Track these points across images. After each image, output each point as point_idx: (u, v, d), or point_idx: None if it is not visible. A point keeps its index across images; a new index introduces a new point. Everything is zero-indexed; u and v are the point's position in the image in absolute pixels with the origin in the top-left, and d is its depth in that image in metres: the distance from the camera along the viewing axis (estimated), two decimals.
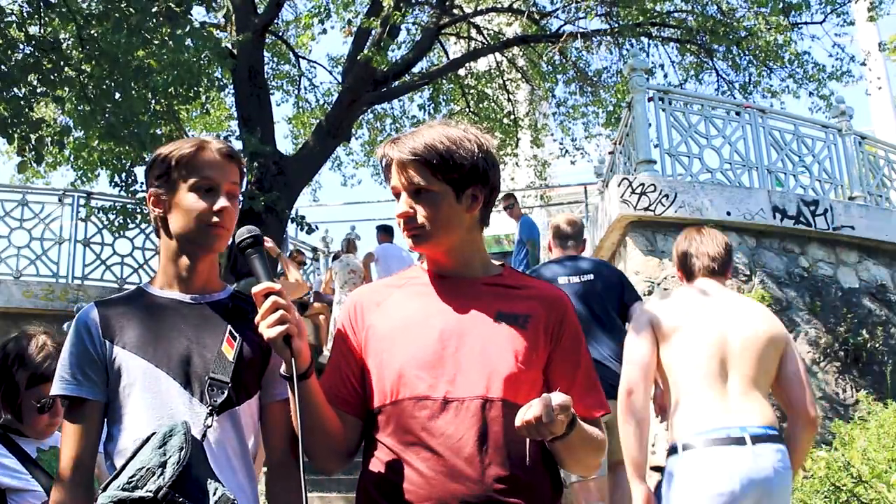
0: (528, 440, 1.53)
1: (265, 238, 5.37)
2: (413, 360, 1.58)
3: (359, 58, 9.39)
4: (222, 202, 1.73)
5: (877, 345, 6.56)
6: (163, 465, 1.49)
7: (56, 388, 1.71)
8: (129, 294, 1.83)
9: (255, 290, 1.56)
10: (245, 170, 1.88)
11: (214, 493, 1.52)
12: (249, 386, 1.74)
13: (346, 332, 1.72)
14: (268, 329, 1.52)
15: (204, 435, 1.62)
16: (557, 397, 1.43)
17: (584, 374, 1.66)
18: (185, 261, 1.77)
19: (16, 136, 6.04)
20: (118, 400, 1.68)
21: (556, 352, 1.63)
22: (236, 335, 1.73)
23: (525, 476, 1.54)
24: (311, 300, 9.62)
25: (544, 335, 1.61)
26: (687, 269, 3.08)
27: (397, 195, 1.66)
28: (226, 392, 1.67)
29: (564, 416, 1.43)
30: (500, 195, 9.48)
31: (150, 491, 1.46)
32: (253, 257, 1.64)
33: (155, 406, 1.65)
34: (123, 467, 1.53)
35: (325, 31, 10.76)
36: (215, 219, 1.72)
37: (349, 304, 1.76)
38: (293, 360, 1.52)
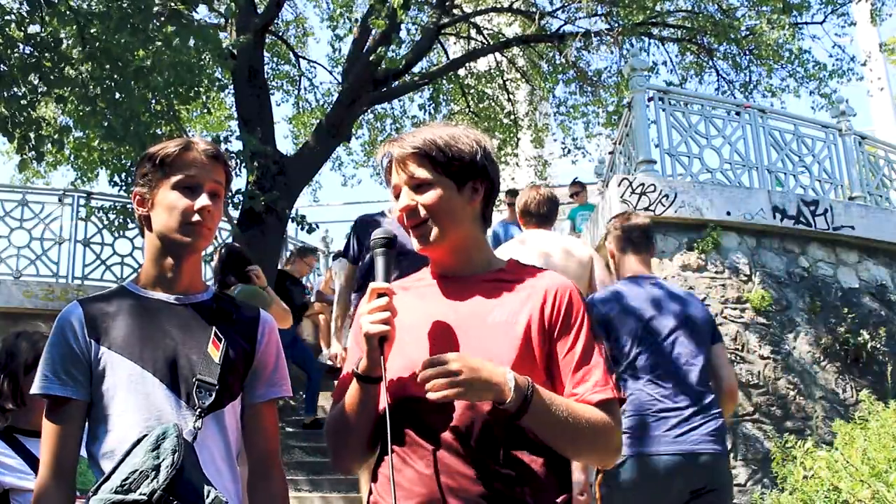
0: (526, 436, 1.54)
1: (255, 269, 5.27)
2: (411, 363, 1.58)
3: (371, 59, 9.37)
4: (203, 200, 1.73)
5: (877, 345, 6.56)
6: (156, 468, 1.48)
7: (38, 386, 1.69)
8: (113, 292, 1.81)
9: (373, 285, 1.58)
10: (232, 171, 1.88)
11: (208, 496, 1.51)
12: (233, 387, 1.75)
13: (359, 336, 1.73)
14: (371, 324, 1.54)
15: (194, 437, 1.62)
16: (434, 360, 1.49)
17: (581, 355, 1.59)
18: (168, 260, 1.77)
19: (17, 134, 6.03)
20: (103, 400, 1.67)
21: (555, 338, 1.61)
22: (221, 337, 1.73)
23: (523, 473, 1.53)
24: (312, 300, 9.61)
25: (543, 325, 1.60)
26: (526, 221, 4.23)
27: (397, 195, 1.67)
28: (213, 394, 1.67)
29: (436, 375, 1.46)
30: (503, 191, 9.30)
31: (144, 494, 1.46)
32: (379, 256, 1.65)
33: (141, 407, 1.64)
34: (114, 469, 1.52)
35: (350, 32, 10.78)
36: (196, 217, 1.72)
37: (362, 307, 1.77)
38: (382, 360, 1.54)
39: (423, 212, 1.63)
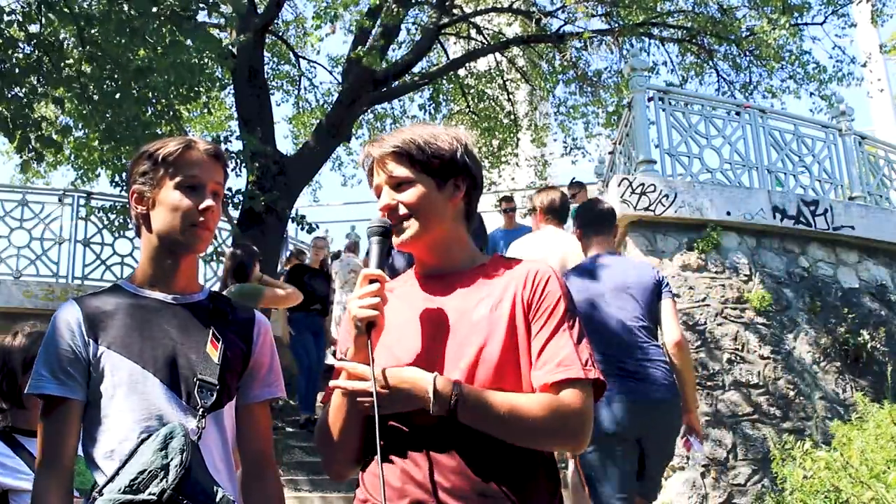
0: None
1: (254, 265, 5.32)
2: (398, 362, 1.57)
3: (352, 55, 9.37)
4: (208, 201, 1.72)
5: (877, 345, 6.56)
6: (165, 467, 1.47)
7: (34, 386, 1.66)
8: (109, 291, 1.79)
9: (365, 271, 1.58)
10: (229, 170, 1.88)
11: (216, 495, 1.51)
12: (231, 387, 1.74)
13: (346, 336, 1.73)
14: (360, 309, 1.54)
15: (198, 437, 1.61)
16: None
17: (549, 336, 1.57)
18: (167, 260, 1.75)
19: (18, 135, 6.03)
20: (102, 400, 1.64)
21: (531, 321, 1.60)
22: (220, 336, 1.72)
23: (515, 470, 1.53)
24: None
25: (523, 311, 1.60)
26: (547, 219, 4.48)
27: (379, 194, 1.67)
28: (215, 394, 1.66)
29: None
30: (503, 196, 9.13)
31: (154, 494, 1.45)
32: (375, 243, 1.64)
33: (142, 407, 1.63)
34: (119, 469, 1.51)
35: (333, 32, 10.80)
36: (200, 218, 1.71)
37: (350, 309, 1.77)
38: (370, 346, 1.53)
39: (403, 210, 1.63)
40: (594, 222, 3.87)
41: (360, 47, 9.20)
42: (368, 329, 1.54)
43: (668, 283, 3.78)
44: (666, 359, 3.59)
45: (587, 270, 3.73)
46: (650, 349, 3.55)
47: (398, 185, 1.64)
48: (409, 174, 1.63)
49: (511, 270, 1.66)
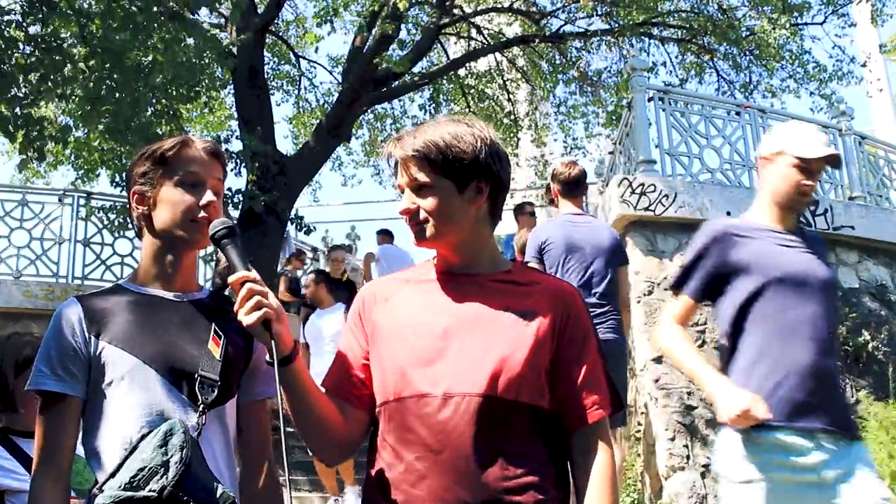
0: (528, 439, 1.54)
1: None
2: (415, 357, 1.57)
3: (375, 61, 9.33)
4: (209, 196, 1.72)
5: (877, 345, 6.56)
6: (165, 464, 1.47)
7: (35, 382, 1.66)
8: (110, 289, 1.80)
9: (231, 279, 1.56)
10: (228, 169, 1.88)
11: (216, 491, 1.51)
12: (232, 384, 1.74)
13: (354, 324, 1.73)
14: (246, 316, 1.52)
15: (198, 433, 1.61)
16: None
17: (587, 372, 1.62)
18: (168, 258, 1.76)
19: (19, 135, 6.02)
20: (104, 395, 1.64)
21: (560, 348, 1.61)
22: (221, 333, 1.72)
23: (526, 474, 1.52)
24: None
25: (550, 332, 1.60)
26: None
27: (403, 192, 1.67)
28: (216, 390, 1.66)
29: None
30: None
31: (154, 490, 1.44)
32: (228, 247, 1.63)
33: (143, 403, 1.62)
34: (120, 466, 1.51)
35: (333, 31, 10.83)
36: (202, 213, 1.71)
37: (360, 295, 1.76)
38: (273, 344, 1.51)
39: (422, 214, 1.62)
40: (570, 184, 4.68)
41: (383, 53, 9.16)
42: (268, 328, 1.52)
43: (624, 250, 4.70)
44: (618, 311, 4.43)
45: (573, 228, 4.51)
46: (611, 301, 4.39)
47: (419, 188, 1.63)
48: (428, 179, 1.61)
49: (539, 285, 1.68)
